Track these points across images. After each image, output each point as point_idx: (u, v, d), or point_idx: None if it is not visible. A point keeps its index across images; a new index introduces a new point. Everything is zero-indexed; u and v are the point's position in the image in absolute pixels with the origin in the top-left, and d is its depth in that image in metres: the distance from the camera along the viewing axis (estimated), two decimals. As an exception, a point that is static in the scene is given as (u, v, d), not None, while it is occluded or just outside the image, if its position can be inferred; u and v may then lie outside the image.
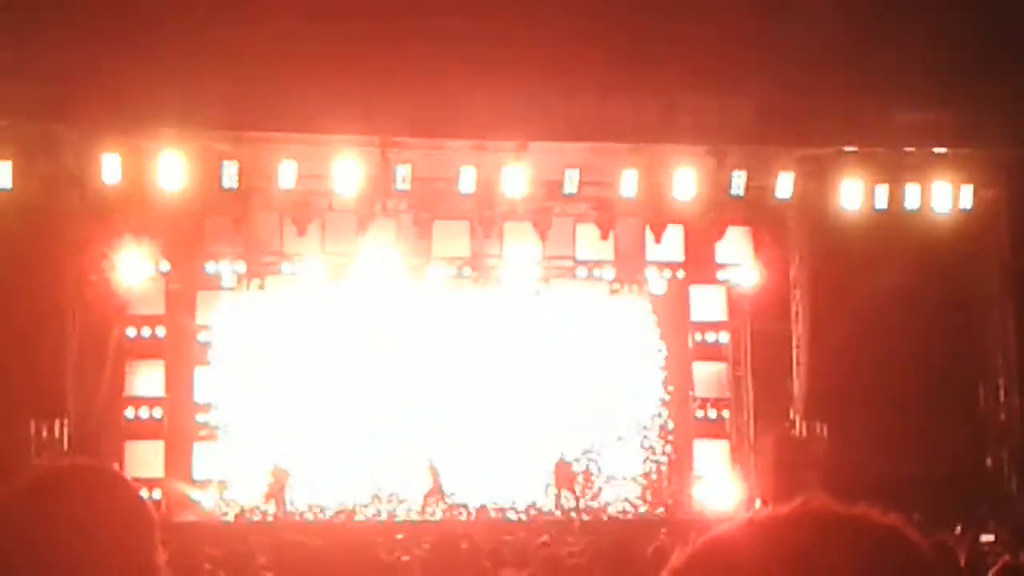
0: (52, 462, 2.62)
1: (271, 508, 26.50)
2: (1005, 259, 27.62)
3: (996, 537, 20.22)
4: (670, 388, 29.45)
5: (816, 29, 24.63)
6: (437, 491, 26.95)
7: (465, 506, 27.03)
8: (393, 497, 27.15)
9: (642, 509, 28.25)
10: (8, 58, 23.10)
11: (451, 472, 27.25)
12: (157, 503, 25.87)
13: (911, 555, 1.58)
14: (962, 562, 11.51)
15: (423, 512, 26.61)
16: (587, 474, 28.25)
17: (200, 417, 28.19)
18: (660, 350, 29.45)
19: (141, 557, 2.48)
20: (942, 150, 26.58)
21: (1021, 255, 27.11)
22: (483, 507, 26.99)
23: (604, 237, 28.41)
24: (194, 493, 27.48)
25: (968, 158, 26.64)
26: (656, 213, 27.60)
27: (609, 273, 29.53)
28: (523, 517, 26.56)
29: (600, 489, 28.42)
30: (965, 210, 26.96)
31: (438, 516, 26.31)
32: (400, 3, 24.42)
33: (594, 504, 27.91)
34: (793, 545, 1.55)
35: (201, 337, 28.35)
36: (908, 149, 26.44)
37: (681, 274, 29.59)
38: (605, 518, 26.90)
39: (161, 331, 28.31)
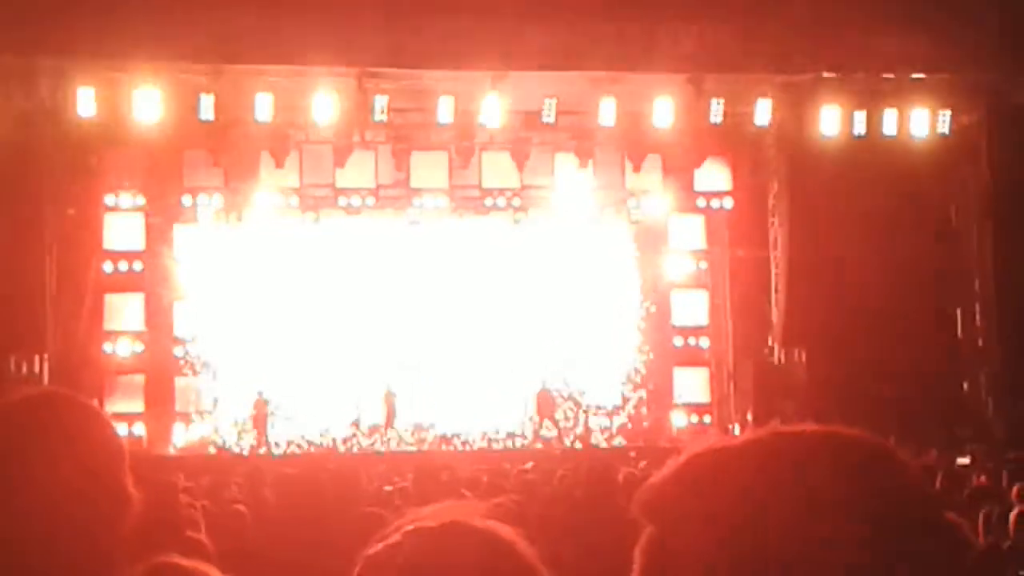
0: (22, 391, 2.59)
1: (252, 440, 26.58)
2: (982, 184, 27.63)
3: (972, 459, 20.36)
4: (649, 316, 29.51)
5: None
6: (390, 421, 27.07)
7: (445, 436, 27.13)
8: (373, 429, 27.23)
9: (620, 438, 28.33)
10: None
11: (430, 403, 27.38)
12: (139, 438, 25.96)
13: (897, 471, 1.54)
14: (938, 484, 11.62)
15: (375, 440, 26.75)
16: (568, 403, 28.35)
17: (180, 351, 28.18)
18: (639, 279, 29.47)
19: (111, 484, 2.47)
20: (920, 75, 26.49)
21: (998, 180, 27.12)
22: (464, 437, 27.09)
23: (583, 166, 28.36)
24: (175, 426, 27.53)
25: (946, 83, 26.56)
26: (635, 142, 27.54)
27: (588, 202, 29.47)
28: (504, 446, 26.66)
29: (581, 418, 28.53)
30: (943, 135, 26.94)
31: (392, 446, 26.38)
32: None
33: (575, 433, 28.03)
34: (776, 464, 1.51)
35: (179, 270, 28.29)
36: (886, 75, 26.34)
37: (660, 202, 29.52)
38: (584, 446, 27.00)
39: (139, 265, 28.24)
